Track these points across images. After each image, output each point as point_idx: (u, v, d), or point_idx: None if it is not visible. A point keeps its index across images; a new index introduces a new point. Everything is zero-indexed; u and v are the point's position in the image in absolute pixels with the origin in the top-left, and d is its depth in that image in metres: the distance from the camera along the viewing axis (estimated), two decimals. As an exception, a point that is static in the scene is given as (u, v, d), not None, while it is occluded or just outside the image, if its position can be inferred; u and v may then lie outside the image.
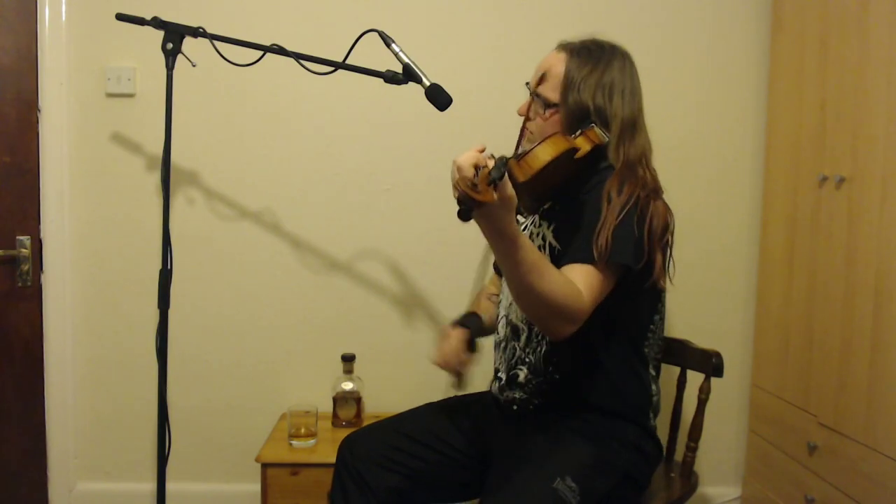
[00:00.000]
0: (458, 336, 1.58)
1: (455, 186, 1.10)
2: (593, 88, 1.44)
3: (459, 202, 1.08)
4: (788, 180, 2.07)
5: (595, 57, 1.46)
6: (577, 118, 1.44)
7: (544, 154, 1.29)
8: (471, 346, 1.57)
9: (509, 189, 1.14)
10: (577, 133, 1.39)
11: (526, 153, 1.30)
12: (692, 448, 1.74)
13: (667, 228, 1.41)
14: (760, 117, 2.25)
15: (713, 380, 1.74)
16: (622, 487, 1.45)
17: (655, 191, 1.41)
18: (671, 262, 1.45)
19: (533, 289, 1.21)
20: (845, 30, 1.80)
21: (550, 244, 1.48)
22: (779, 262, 2.12)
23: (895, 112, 1.62)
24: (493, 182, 1.08)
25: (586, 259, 1.32)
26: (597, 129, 1.38)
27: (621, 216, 1.33)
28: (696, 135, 2.24)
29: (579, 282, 1.30)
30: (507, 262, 1.22)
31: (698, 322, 2.26)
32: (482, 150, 1.18)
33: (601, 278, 1.32)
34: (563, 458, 1.40)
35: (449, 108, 1.66)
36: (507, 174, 1.11)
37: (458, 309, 1.79)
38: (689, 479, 1.72)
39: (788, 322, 2.05)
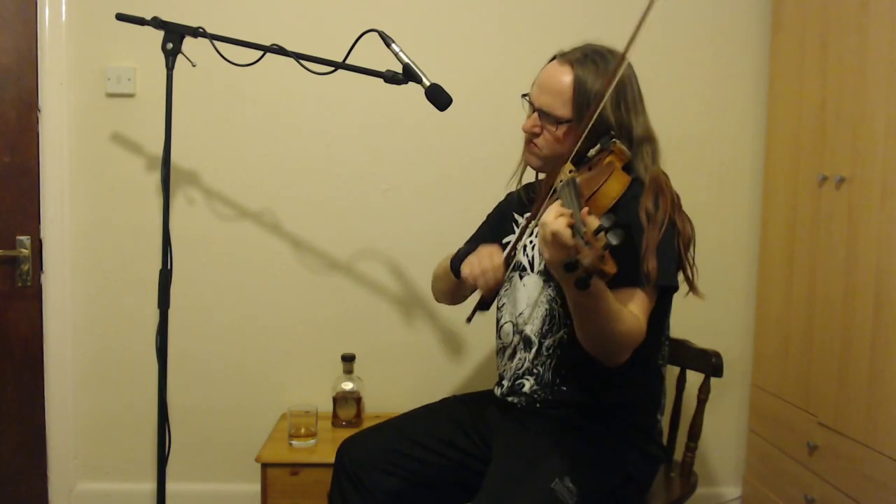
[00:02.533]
0: (497, 252, 1.43)
1: (574, 259, 1.00)
2: (611, 104, 1.38)
3: (581, 281, 0.99)
4: (788, 180, 2.07)
5: (602, 67, 1.40)
6: (596, 133, 1.39)
7: (612, 193, 1.22)
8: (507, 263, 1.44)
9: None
10: (604, 151, 1.35)
11: (593, 195, 1.20)
12: (692, 448, 1.74)
13: (692, 240, 1.41)
14: (760, 117, 2.25)
15: (713, 380, 1.74)
16: (624, 488, 1.45)
17: (679, 202, 1.40)
18: (695, 270, 1.45)
19: (610, 334, 1.23)
20: (845, 30, 1.80)
21: None
22: (779, 262, 2.12)
23: (895, 112, 1.62)
24: (609, 248, 0.99)
25: (637, 283, 1.32)
26: (619, 144, 1.35)
27: (662, 236, 1.33)
28: (696, 135, 2.24)
29: (635, 308, 1.31)
30: (588, 316, 1.22)
31: (698, 322, 2.25)
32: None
33: (650, 300, 1.34)
34: (563, 458, 1.40)
35: (449, 108, 1.66)
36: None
37: (458, 308, 1.78)
38: (689, 479, 1.72)
39: (788, 322, 2.05)
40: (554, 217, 1.07)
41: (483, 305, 1.48)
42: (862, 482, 1.71)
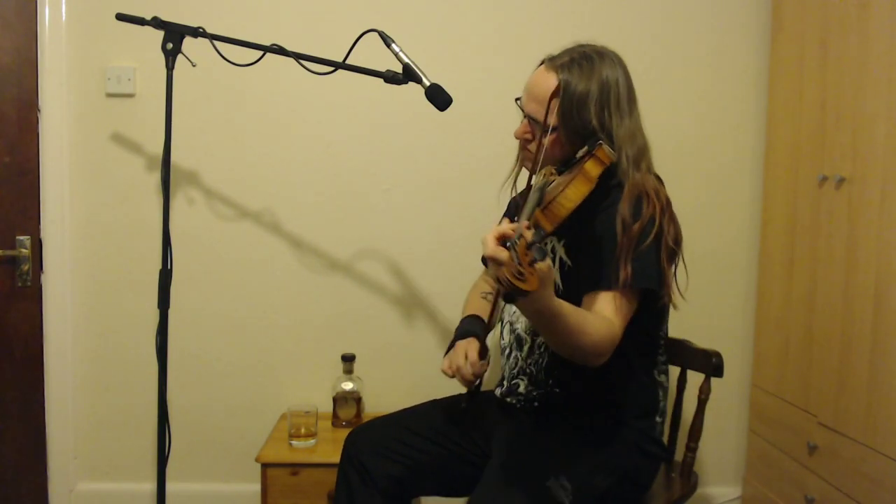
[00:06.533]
0: (472, 348, 1.51)
1: (497, 276, 1.02)
2: (593, 106, 1.38)
3: (506, 294, 1.02)
4: (788, 180, 2.07)
5: (587, 71, 1.39)
6: (581, 137, 1.40)
7: (570, 201, 1.23)
8: (483, 354, 1.52)
9: (548, 263, 1.09)
10: (587, 155, 1.34)
11: (551, 202, 1.23)
12: (692, 448, 1.74)
13: (679, 243, 1.41)
14: (760, 117, 2.25)
15: (713, 380, 1.74)
16: (621, 487, 1.45)
17: (667, 203, 1.39)
18: (685, 273, 1.45)
19: (577, 345, 1.24)
20: (845, 30, 1.80)
21: (562, 259, 1.46)
22: (779, 262, 2.12)
23: (895, 112, 1.62)
24: (533, 263, 1.03)
25: (611, 286, 1.33)
26: (605, 148, 1.33)
27: (641, 241, 1.33)
28: (697, 135, 2.24)
29: (608, 310, 1.31)
30: (547, 332, 1.23)
31: (698, 322, 2.25)
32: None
33: (627, 302, 1.34)
34: (560, 456, 1.40)
35: (449, 108, 1.66)
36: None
37: (457, 309, 1.78)
38: (689, 479, 1.72)
39: (788, 322, 2.05)
40: (492, 236, 1.07)
41: (469, 393, 1.55)
42: (862, 482, 1.71)
